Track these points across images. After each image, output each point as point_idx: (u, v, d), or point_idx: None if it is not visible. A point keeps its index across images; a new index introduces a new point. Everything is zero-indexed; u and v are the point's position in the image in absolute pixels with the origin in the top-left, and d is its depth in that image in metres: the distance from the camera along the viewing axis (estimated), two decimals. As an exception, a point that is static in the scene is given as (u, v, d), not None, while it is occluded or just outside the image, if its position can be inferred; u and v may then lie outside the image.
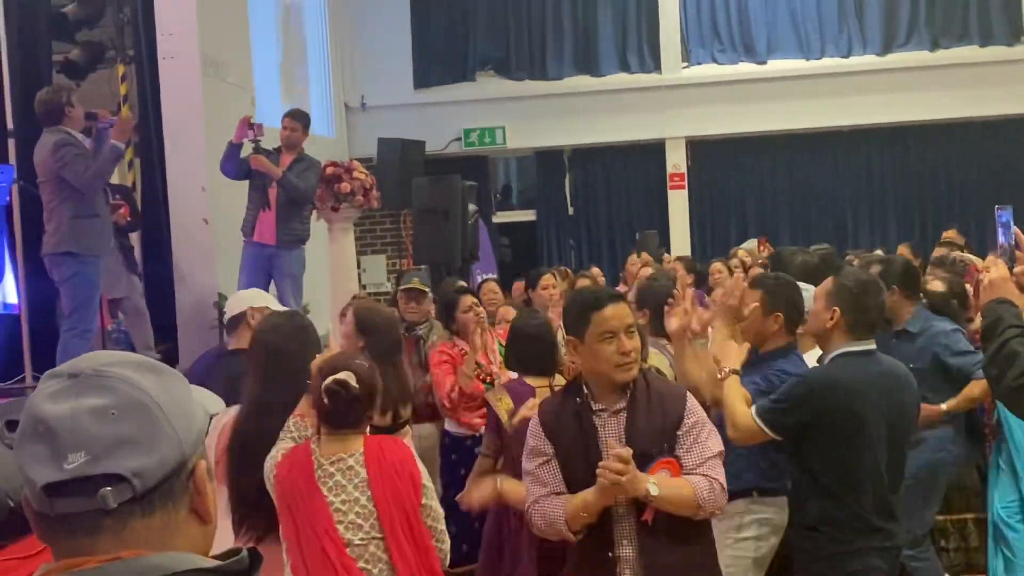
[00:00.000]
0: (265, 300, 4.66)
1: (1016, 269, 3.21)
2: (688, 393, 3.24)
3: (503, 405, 4.30)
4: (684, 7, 13.06)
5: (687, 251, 12.28)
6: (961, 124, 12.66)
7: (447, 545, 3.35)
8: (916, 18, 12.78)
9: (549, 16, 13.29)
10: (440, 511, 3.36)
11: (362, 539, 3.18)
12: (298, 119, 8.01)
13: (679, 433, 3.09)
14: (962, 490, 5.50)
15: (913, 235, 12.05)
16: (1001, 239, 3.33)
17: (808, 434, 3.50)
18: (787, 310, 3.91)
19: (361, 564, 3.17)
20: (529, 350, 4.47)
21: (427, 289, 6.14)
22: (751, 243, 11.03)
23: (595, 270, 9.70)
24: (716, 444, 3.13)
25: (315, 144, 8.30)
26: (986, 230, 12.40)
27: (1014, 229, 3.28)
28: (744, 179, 13.24)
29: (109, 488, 1.21)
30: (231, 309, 4.59)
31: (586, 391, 3.15)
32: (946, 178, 12.89)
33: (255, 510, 3.38)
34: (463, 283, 6.18)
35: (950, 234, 9.24)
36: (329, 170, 8.14)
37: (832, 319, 3.60)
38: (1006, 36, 12.67)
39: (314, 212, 8.23)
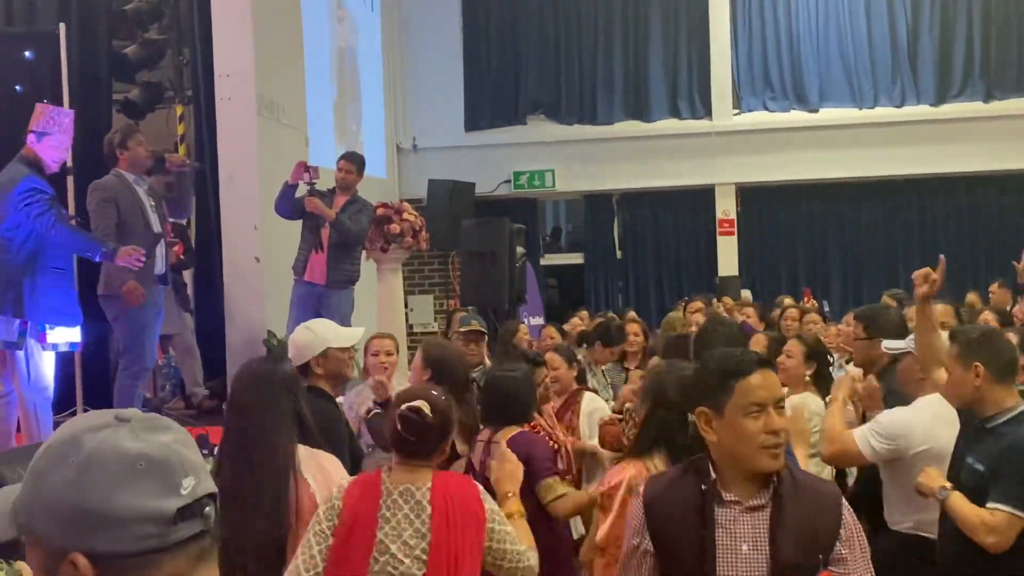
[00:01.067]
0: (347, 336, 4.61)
1: None
2: (840, 492, 2.68)
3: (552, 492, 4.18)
4: (736, 54, 13.08)
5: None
6: (1015, 176, 12.51)
7: (530, 561, 3.19)
8: (970, 69, 12.70)
9: (600, 61, 13.37)
10: (511, 532, 3.18)
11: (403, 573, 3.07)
12: (353, 161, 8.09)
13: (838, 544, 2.49)
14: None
15: (964, 287, 11.88)
16: None
17: None
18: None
19: None
20: (504, 404, 4.36)
21: (486, 331, 6.13)
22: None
23: (632, 314, 9.64)
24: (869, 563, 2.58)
25: (366, 184, 8.38)
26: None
27: None
28: (794, 227, 13.17)
29: (208, 506, 1.31)
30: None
31: (714, 475, 2.53)
32: (998, 229, 12.71)
33: None
34: (535, 353, 5.91)
35: (994, 287, 9.07)
36: (380, 211, 8.20)
37: (978, 376, 3.54)
38: (1061, 88, 12.55)
39: (363, 252, 8.29)
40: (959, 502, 3.44)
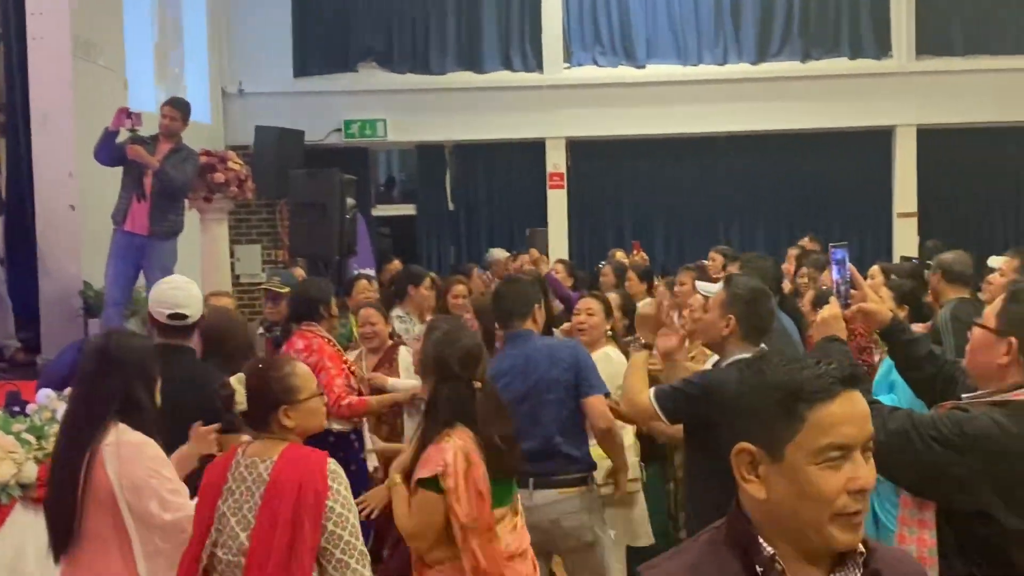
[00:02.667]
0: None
1: (851, 308, 3.33)
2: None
3: None
4: (567, 8, 13.25)
5: (565, 252, 12.49)
6: (829, 134, 13.14)
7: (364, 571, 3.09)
8: (789, 29, 13.23)
9: (432, 9, 13.34)
10: (352, 544, 3.07)
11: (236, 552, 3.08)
12: (178, 107, 7.90)
13: None
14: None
15: (782, 241, 12.45)
16: (835, 276, 3.42)
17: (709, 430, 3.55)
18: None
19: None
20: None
21: (284, 290, 6.13)
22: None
23: (475, 271, 9.77)
24: None
25: (190, 130, 8.19)
26: (851, 238, 12.98)
27: (849, 267, 3.40)
28: (622, 182, 13.51)
29: None
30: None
31: (768, 549, 1.71)
32: (814, 186, 13.35)
33: None
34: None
35: (805, 241, 9.58)
36: (203, 159, 8.06)
37: (728, 327, 3.77)
38: (875, 50, 13.20)
39: (187, 201, 8.13)
40: (640, 365, 3.98)
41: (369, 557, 3.16)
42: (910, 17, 13.05)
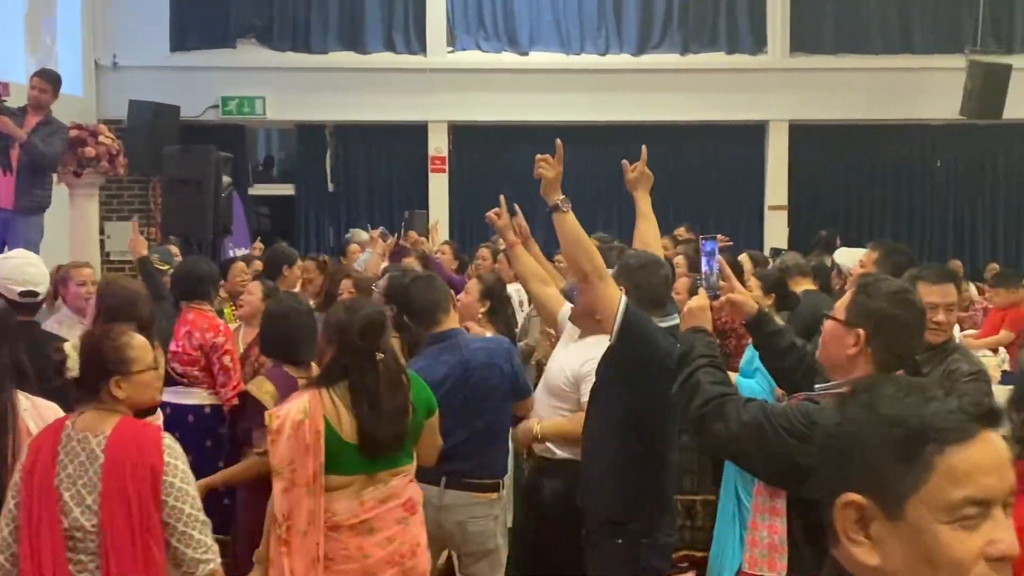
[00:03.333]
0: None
1: (720, 299, 3.49)
2: None
3: (266, 392, 4.22)
4: (451, -9, 13.43)
5: (446, 235, 12.66)
6: (706, 126, 13.62)
7: (205, 554, 3.11)
8: (669, 22, 13.64)
9: (316, -12, 13.37)
10: (195, 516, 3.11)
11: (94, 526, 3.05)
12: (48, 79, 7.84)
13: None
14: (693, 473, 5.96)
15: (659, 230, 12.83)
16: (705, 267, 3.55)
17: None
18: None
19: (83, 557, 3.06)
20: (288, 336, 4.42)
21: (164, 268, 6.19)
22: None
23: (353, 247, 9.82)
24: None
25: (61, 102, 8.12)
26: (725, 229, 13.46)
27: (718, 259, 3.53)
28: (503, 167, 13.72)
29: None
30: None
31: None
32: (690, 177, 13.81)
33: None
34: None
35: (680, 231, 9.92)
36: (73, 133, 8.00)
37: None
38: (751, 46, 13.70)
39: (55, 175, 8.06)
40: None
41: (211, 524, 3.20)
42: (785, 14, 13.58)
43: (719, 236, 4.05)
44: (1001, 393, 6.20)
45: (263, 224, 13.82)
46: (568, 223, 3.89)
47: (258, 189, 13.93)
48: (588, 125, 13.48)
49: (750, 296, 3.64)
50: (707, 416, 2.92)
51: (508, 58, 13.50)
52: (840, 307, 2.97)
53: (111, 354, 3.18)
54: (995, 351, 7.95)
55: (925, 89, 13.39)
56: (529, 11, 13.54)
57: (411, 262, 7.65)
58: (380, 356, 3.66)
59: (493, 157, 13.73)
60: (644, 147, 4.58)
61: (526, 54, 13.53)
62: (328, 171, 13.70)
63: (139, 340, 3.27)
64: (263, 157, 14.84)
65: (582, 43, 13.57)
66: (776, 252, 9.75)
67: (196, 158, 9.30)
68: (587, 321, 4.28)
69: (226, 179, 9.41)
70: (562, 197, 3.96)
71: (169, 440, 3.17)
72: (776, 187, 13.73)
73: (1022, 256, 13.97)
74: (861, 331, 2.86)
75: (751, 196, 13.83)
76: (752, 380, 4.89)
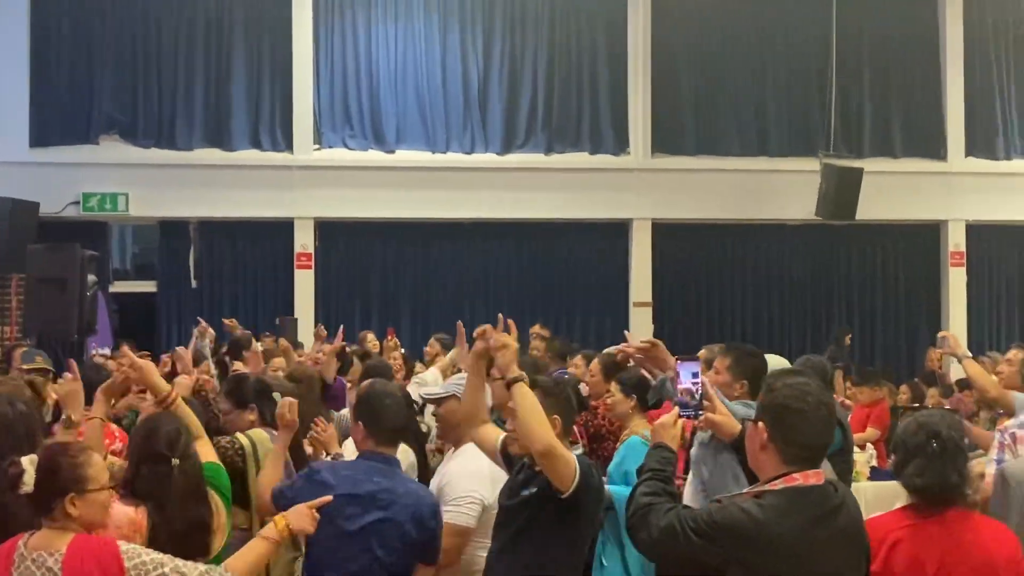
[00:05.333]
0: None
1: (703, 418, 3.85)
2: None
3: None
4: (318, 90, 14.32)
5: (311, 333, 13.22)
6: (571, 224, 14.69)
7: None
8: (534, 122, 14.74)
9: (181, 84, 14.10)
10: (178, 567, 3.28)
11: None
12: None
13: None
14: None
15: (524, 328, 13.67)
16: (684, 384, 3.81)
17: None
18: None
19: None
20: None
21: (51, 368, 6.37)
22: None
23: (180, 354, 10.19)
24: None
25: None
26: (590, 326, 14.47)
27: (702, 379, 3.84)
28: (370, 264, 14.52)
29: None
30: None
31: None
32: (556, 274, 14.81)
33: None
34: None
35: (535, 329, 10.55)
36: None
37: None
38: (614, 146, 14.86)
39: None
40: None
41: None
42: (646, 117, 14.81)
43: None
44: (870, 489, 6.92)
45: (113, 320, 14.07)
46: (528, 395, 3.87)
47: (119, 287, 14.31)
48: (454, 222, 14.40)
49: (730, 417, 3.99)
50: (634, 524, 3.27)
51: (375, 155, 14.37)
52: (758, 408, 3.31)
53: (69, 472, 3.27)
54: (862, 447, 8.42)
55: (781, 190, 14.73)
56: (395, 109, 14.46)
57: (280, 363, 8.05)
58: (176, 462, 3.76)
59: (360, 253, 14.50)
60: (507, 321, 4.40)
61: (392, 151, 14.42)
62: (192, 267, 14.23)
63: (96, 459, 3.39)
64: (126, 253, 15.13)
65: (448, 141, 14.53)
66: None
67: (61, 255, 9.72)
68: (453, 434, 4.83)
69: (91, 277, 9.87)
70: (520, 372, 3.95)
71: (125, 546, 3.28)
72: (640, 284, 14.78)
73: (876, 353, 15.26)
74: (761, 423, 3.17)
75: (616, 293, 14.85)
76: (620, 486, 5.21)
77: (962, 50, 15.39)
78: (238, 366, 7.67)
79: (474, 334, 4.14)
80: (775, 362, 5.08)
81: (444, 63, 14.55)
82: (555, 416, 3.94)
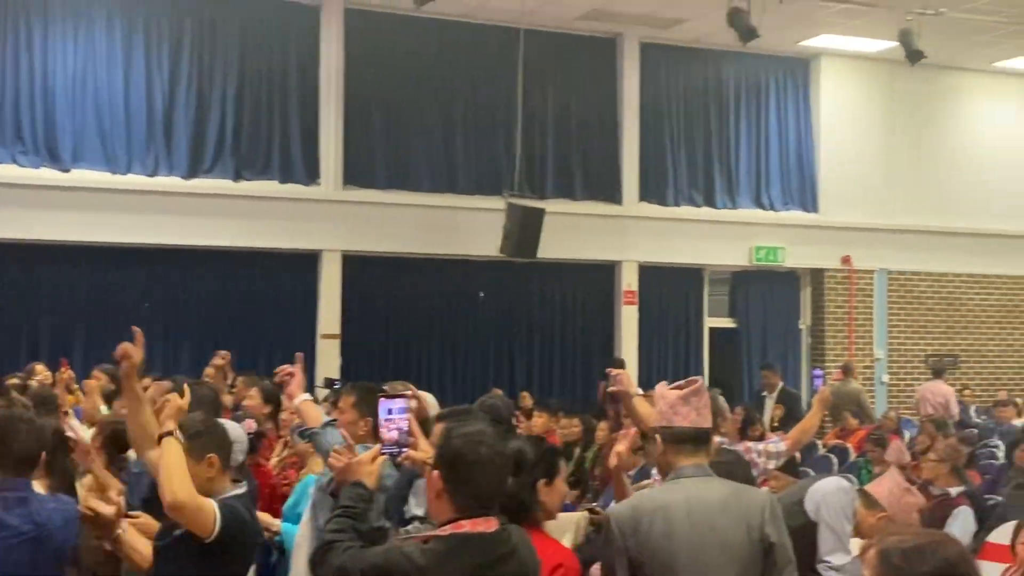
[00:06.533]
0: None
1: (404, 455, 3.92)
2: None
3: None
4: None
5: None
6: (260, 253, 14.46)
7: None
8: (222, 147, 14.41)
9: None
10: None
11: None
12: None
13: None
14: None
15: (206, 360, 13.26)
16: (384, 418, 3.88)
17: None
18: None
19: None
20: None
21: None
22: None
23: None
24: None
25: None
26: (277, 358, 14.19)
27: (408, 417, 3.88)
28: (39, 289, 13.66)
29: None
30: None
31: None
32: (243, 304, 14.49)
33: None
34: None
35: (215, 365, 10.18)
36: None
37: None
38: (304, 176, 14.77)
39: None
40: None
41: None
42: (338, 148, 14.84)
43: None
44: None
45: None
46: (172, 451, 3.94)
47: None
48: (135, 247, 13.81)
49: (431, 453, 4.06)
50: (315, 561, 3.43)
51: (48, 174, 13.57)
52: None
53: None
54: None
55: (469, 227, 15.15)
56: (72, 126, 13.72)
57: None
58: None
59: (31, 279, 13.63)
60: (137, 331, 4.47)
61: (68, 170, 13.68)
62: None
63: None
64: None
65: (129, 163, 13.93)
66: (330, 382, 10.37)
67: None
68: None
69: None
70: (173, 426, 4.03)
71: None
72: (329, 316, 14.73)
73: (555, 385, 15.92)
74: (436, 473, 3.29)
75: (303, 325, 14.71)
76: (294, 525, 5.33)
77: (638, 106, 16.41)
78: None
79: (115, 353, 4.31)
80: (431, 401, 5.40)
81: (128, 80, 13.96)
82: (211, 455, 4.07)
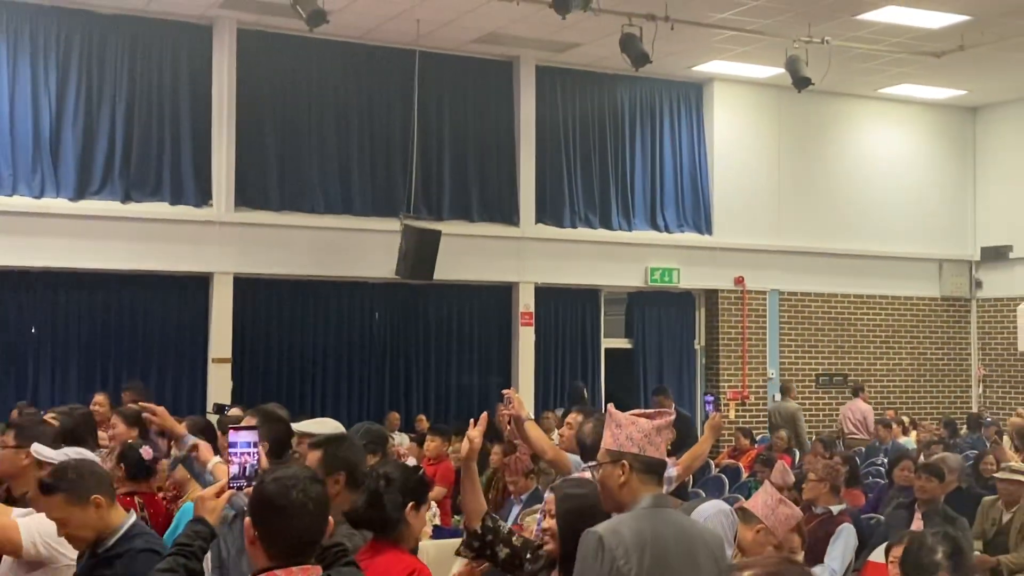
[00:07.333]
0: None
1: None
2: None
3: None
4: None
5: None
6: (149, 276, 14.28)
7: None
8: (111, 169, 14.17)
9: None
10: None
11: None
12: None
13: None
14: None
15: (96, 383, 13.12)
16: (235, 455, 3.78)
17: None
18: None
19: None
20: None
21: None
22: None
23: None
24: None
25: None
26: (167, 383, 14.07)
27: (258, 450, 3.78)
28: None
29: None
30: None
31: None
32: (132, 328, 14.29)
33: None
34: None
35: (127, 396, 10.12)
36: None
37: None
38: (195, 198, 14.60)
39: None
40: None
41: None
42: (230, 170, 14.69)
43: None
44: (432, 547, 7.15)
45: None
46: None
47: None
48: (20, 270, 13.58)
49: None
50: None
51: (-73, 196, 13.29)
52: None
53: None
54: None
55: (364, 249, 15.15)
56: (-49, 146, 13.45)
57: None
58: None
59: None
60: None
61: (-51, 192, 13.40)
62: None
63: None
64: None
65: (15, 184, 13.65)
66: (220, 408, 10.30)
67: None
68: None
69: None
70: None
71: None
72: (220, 340, 14.55)
73: (451, 407, 15.97)
74: (248, 520, 3.21)
75: (194, 349, 14.56)
76: None
77: (534, 128, 16.55)
78: None
79: None
80: (330, 425, 5.24)
81: (13, 99, 13.70)
82: (96, 496, 4.07)
